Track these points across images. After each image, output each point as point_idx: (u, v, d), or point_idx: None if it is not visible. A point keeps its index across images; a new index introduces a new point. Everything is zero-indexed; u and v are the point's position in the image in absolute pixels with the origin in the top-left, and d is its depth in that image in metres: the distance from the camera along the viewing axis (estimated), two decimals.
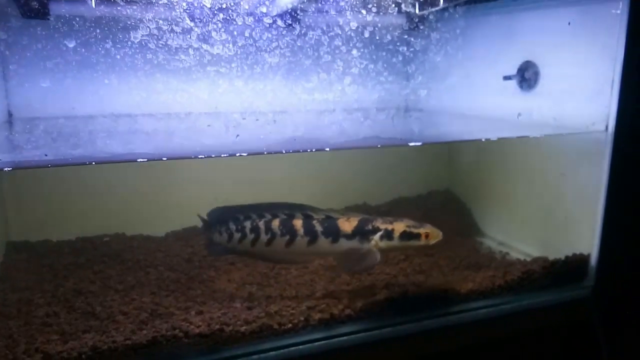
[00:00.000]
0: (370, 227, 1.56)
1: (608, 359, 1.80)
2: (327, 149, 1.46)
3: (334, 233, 1.56)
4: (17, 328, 1.48)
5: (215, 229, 1.64)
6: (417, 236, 1.53)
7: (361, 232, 1.55)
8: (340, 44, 1.56)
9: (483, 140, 2.17)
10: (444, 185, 2.70)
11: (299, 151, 1.52)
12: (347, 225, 1.56)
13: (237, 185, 2.27)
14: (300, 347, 1.49)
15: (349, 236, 1.55)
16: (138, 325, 1.48)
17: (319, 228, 1.56)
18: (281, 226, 1.57)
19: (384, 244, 1.54)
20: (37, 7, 1.61)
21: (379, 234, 1.54)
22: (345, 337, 1.54)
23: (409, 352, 1.63)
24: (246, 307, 1.61)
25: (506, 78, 2.04)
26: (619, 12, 1.66)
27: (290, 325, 1.51)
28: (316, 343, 1.51)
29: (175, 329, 1.43)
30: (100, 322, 1.52)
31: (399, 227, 1.55)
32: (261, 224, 1.58)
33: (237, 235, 1.61)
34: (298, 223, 1.57)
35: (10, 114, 2.01)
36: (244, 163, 2.25)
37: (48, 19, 1.62)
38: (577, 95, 1.84)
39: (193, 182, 2.23)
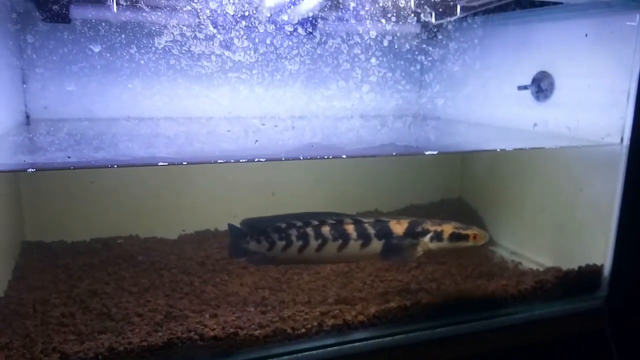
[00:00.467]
0: (420, 229, 1.61)
1: None
2: (344, 156, 1.47)
3: (386, 235, 1.60)
4: (34, 328, 1.50)
5: (252, 237, 1.66)
6: (466, 237, 1.58)
7: (412, 234, 1.60)
8: (359, 52, 1.58)
9: (498, 150, 2.18)
10: (457, 193, 2.70)
11: (316, 158, 1.53)
12: (399, 227, 1.61)
13: (251, 189, 2.29)
14: (314, 352, 1.50)
15: (401, 238, 1.59)
16: (153, 327, 1.49)
17: (371, 231, 1.61)
18: (332, 231, 1.61)
19: (434, 245, 1.59)
20: (57, 11, 1.63)
21: (429, 235, 1.58)
22: (358, 343, 1.55)
23: (421, 359, 1.63)
24: (260, 311, 1.62)
25: (521, 88, 2.05)
26: (635, 24, 1.67)
27: (303, 330, 1.52)
28: (329, 349, 1.52)
29: (191, 331, 1.44)
30: (115, 324, 1.54)
31: (448, 228, 1.59)
32: (310, 230, 1.62)
33: (280, 244, 1.63)
34: (350, 227, 1.61)
35: (27, 116, 2.03)
36: (258, 167, 2.26)
37: (69, 23, 1.64)
38: (592, 107, 1.84)
39: (207, 185, 2.25)
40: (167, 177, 2.20)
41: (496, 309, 1.73)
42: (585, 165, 1.89)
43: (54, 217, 2.16)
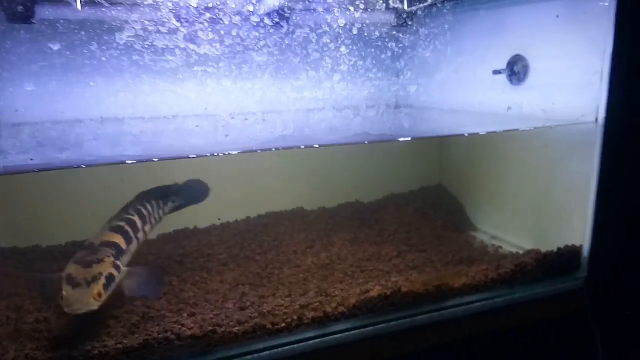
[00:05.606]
0: None
1: (603, 350, 1.81)
2: (317, 146, 1.45)
3: None
4: (7, 335, 1.46)
5: None
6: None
7: None
8: (328, 41, 1.55)
9: (466, 135, 2.17)
10: (436, 180, 2.70)
11: (290, 148, 1.51)
12: None
13: (228, 184, 2.26)
14: (294, 346, 1.49)
15: None
16: (129, 329, 1.47)
17: None
18: None
19: None
20: (22, 11, 1.59)
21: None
22: (339, 335, 1.54)
23: (403, 348, 1.62)
24: (239, 307, 1.60)
25: (496, 72, 2.04)
26: (607, 4, 1.66)
27: (283, 324, 1.51)
28: (310, 342, 1.51)
29: (167, 331, 1.42)
30: (91, 327, 1.51)
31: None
32: None
33: None
34: None
35: None
36: (235, 163, 2.24)
37: (32, 23, 1.59)
38: (566, 88, 1.84)
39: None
40: (142, 177, 2.16)
41: (477, 294, 1.73)
42: (562, 147, 1.90)
43: (28, 222, 2.11)
